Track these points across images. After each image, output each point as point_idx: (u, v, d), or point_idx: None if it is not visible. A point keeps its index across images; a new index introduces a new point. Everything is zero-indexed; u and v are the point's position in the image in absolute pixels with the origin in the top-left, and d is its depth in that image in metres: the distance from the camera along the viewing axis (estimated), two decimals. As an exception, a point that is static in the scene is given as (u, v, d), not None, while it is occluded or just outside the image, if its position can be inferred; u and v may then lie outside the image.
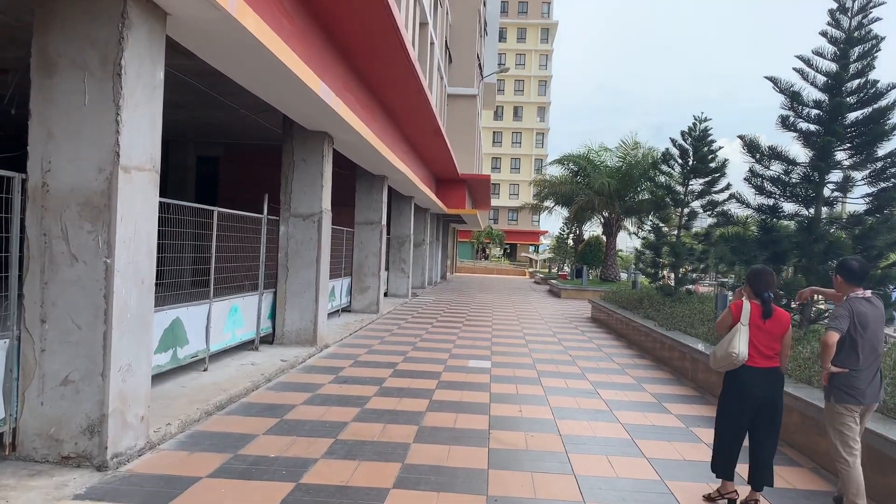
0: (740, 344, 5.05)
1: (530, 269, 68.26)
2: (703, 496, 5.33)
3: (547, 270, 59.67)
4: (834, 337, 4.90)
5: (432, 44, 26.48)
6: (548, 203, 39.10)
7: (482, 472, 5.67)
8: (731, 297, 5.35)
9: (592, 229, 50.33)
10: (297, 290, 11.61)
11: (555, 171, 36.17)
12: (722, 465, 5.26)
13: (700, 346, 10.36)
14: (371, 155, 14.87)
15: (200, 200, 13.60)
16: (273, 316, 11.68)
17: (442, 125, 23.36)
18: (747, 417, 5.09)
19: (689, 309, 13.72)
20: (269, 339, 11.65)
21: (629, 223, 35.66)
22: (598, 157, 32.96)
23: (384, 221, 18.54)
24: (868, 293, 5.13)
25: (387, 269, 23.64)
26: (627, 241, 70.14)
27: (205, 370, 8.93)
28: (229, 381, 8.40)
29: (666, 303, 15.02)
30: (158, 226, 7.74)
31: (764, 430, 5.09)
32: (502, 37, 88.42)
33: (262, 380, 8.77)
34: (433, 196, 26.81)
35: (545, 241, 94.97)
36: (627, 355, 13.02)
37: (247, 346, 10.84)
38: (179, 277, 8.74)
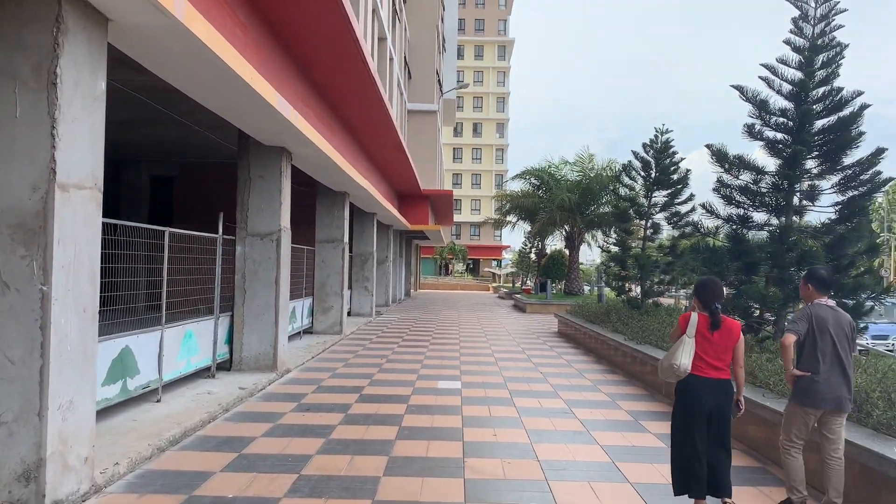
0: (682, 356, 5.03)
1: (494, 284, 68.23)
2: None
3: (511, 285, 59.63)
4: (790, 338, 5.14)
5: (391, 59, 26.22)
6: (510, 218, 39.01)
7: (459, 507, 5.28)
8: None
9: (554, 243, 50.56)
10: (256, 313, 11.10)
11: (516, 186, 36.13)
12: (681, 481, 5.09)
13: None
14: (332, 171, 14.45)
15: (155, 221, 13.02)
16: (230, 341, 11.14)
17: (403, 141, 23.06)
18: (699, 427, 5.02)
19: (659, 322, 13.53)
20: (226, 366, 11.11)
21: (590, 236, 35.79)
22: (559, 171, 33.00)
23: (346, 239, 18.08)
24: (832, 302, 5.32)
25: (350, 287, 23.13)
26: (587, 255, 70.64)
27: (158, 401, 8.39)
28: (184, 413, 7.87)
29: (634, 316, 14.83)
30: (107, 249, 7.29)
31: (717, 441, 5.05)
32: (460, 54, 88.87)
33: (219, 410, 8.25)
34: (396, 212, 26.43)
35: (507, 256, 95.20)
36: (598, 370, 12.76)
37: (203, 373, 10.29)
38: (131, 303, 8.23)
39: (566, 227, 32.81)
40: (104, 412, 7.32)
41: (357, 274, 23.79)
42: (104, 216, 7.86)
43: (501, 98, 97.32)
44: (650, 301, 16.10)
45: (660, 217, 16.34)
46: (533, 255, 49.44)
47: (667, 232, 16.99)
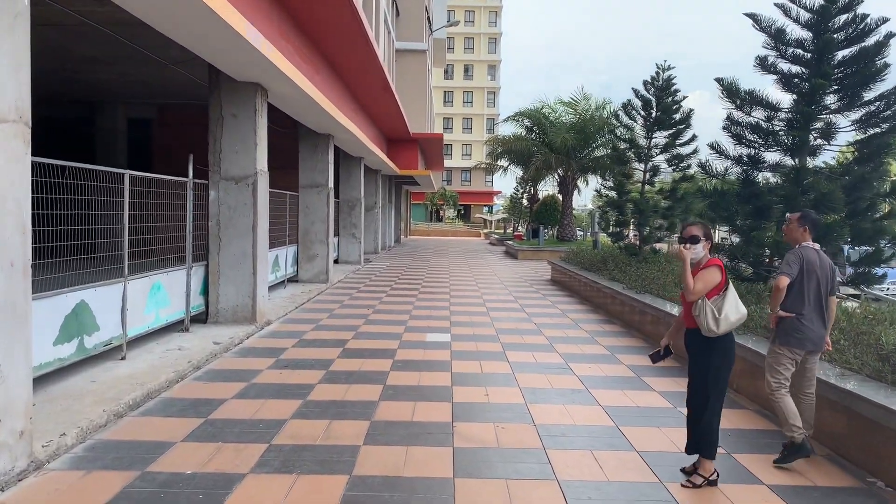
0: (740, 303, 4.70)
1: (485, 231, 67.58)
2: (684, 483, 4.73)
3: (502, 231, 59.00)
4: (784, 281, 5.21)
5: (378, -6, 24.91)
6: (502, 162, 38.08)
7: (447, 483, 4.68)
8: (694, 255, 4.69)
9: (546, 188, 49.76)
10: (232, 263, 10.40)
11: (509, 129, 35.09)
12: (716, 444, 4.74)
13: (676, 311, 9.54)
14: (314, 111, 13.57)
15: (133, 166, 12.15)
16: (206, 292, 10.46)
17: (391, 81, 22.01)
18: None
19: (658, 269, 12.94)
20: (202, 318, 10.45)
21: (583, 181, 35.02)
22: (554, 112, 31.97)
23: (331, 184, 17.27)
24: (817, 245, 5.43)
25: (336, 234, 22.41)
26: (578, 200, 69.94)
27: (122, 359, 7.74)
28: (149, 372, 7.23)
29: (632, 263, 14.22)
30: (66, 194, 6.53)
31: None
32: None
33: (188, 368, 7.62)
34: (384, 157, 25.52)
35: (499, 202, 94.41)
36: (594, 321, 12.19)
37: (177, 327, 9.64)
38: (90, 254, 7.52)
39: (559, 172, 31.95)
40: (58, 373, 6.68)
41: (344, 220, 23.04)
42: (79, 160, 7.17)
43: (493, 39, 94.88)
44: (648, 248, 15.48)
45: (660, 159, 15.62)
46: (525, 201, 48.75)
47: (664, 175, 16.29)
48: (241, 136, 10.40)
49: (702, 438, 4.67)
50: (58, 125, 23.66)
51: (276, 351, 8.94)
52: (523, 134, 33.22)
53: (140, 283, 8.29)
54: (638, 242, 15.28)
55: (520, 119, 32.93)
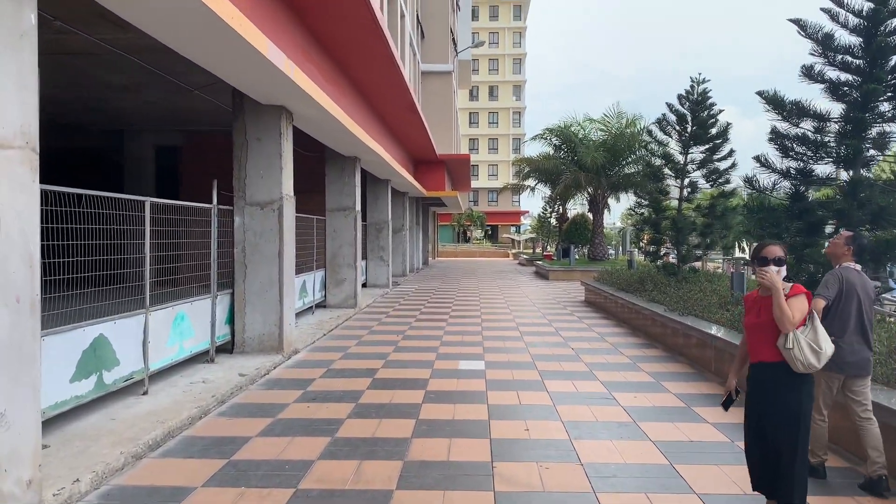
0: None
1: (513, 251, 67.11)
2: None
3: (531, 251, 58.41)
4: (820, 304, 5.00)
5: (402, 16, 24.81)
6: (529, 182, 37.68)
7: (490, 535, 4.24)
8: (780, 280, 4.06)
9: (575, 207, 49.16)
10: (258, 290, 10.09)
11: (536, 148, 34.69)
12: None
13: (722, 334, 9.01)
14: (340, 133, 13.32)
15: (161, 194, 11.98)
16: (232, 321, 10.16)
17: (417, 102, 21.79)
18: None
19: (699, 290, 12.39)
20: (228, 348, 10.14)
21: (613, 199, 34.46)
22: (583, 130, 31.52)
23: (358, 207, 17.00)
24: (858, 266, 5.23)
25: (364, 258, 22.13)
26: (607, 218, 69.03)
27: (144, 393, 7.42)
28: (171, 408, 6.89)
29: (671, 283, 13.68)
30: (85, 223, 6.28)
31: None
32: (475, 15, 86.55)
33: (212, 403, 7.27)
34: (411, 178, 25.28)
35: (526, 221, 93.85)
36: (634, 345, 11.66)
37: (202, 357, 9.33)
38: (110, 284, 7.25)
39: (589, 190, 31.44)
40: (76, 412, 6.37)
41: (372, 243, 22.77)
42: (110, 189, 6.96)
43: (518, 59, 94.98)
44: (686, 267, 14.91)
45: (697, 175, 15.09)
46: (553, 220, 48.18)
47: (700, 192, 15.74)
48: (267, 161, 10.14)
49: (794, 489, 4.02)
50: (88, 154, 23.85)
51: (304, 382, 8.57)
52: (551, 152, 32.79)
53: (163, 314, 7.99)
54: (676, 261, 14.73)
55: (548, 137, 32.52)
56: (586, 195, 32.54)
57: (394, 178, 22.91)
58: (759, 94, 9.44)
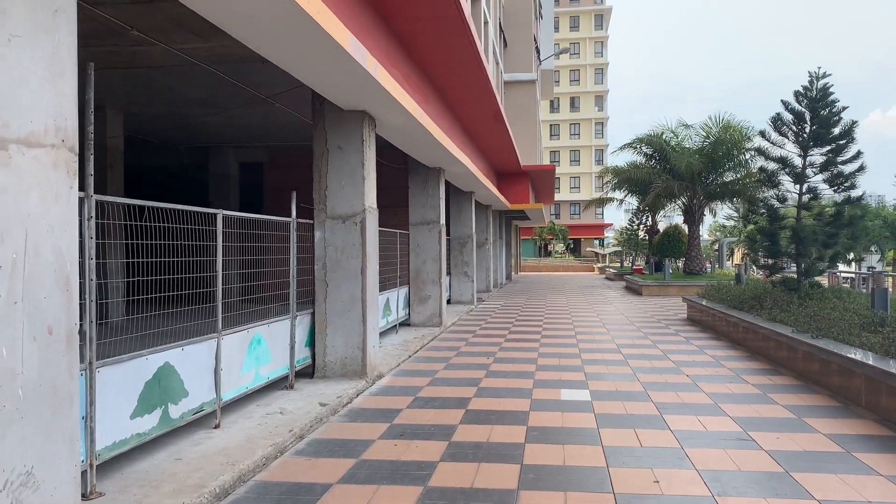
0: None
1: (599, 265, 65.15)
2: None
3: (618, 265, 56.39)
4: None
5: (486, 23, 24.01)
6: (618, 194, 36.11)
7: None
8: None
9: (665, 218, 47.02)
10: (340, 310, 9.32)
11: (623, 158, 33.15)
12: None
13: (872, 360, 7.63)
14: (425, 142, 12.53)
15: (245, 210, 11.52)
16: (312, 343, 9.42)
17: (501, 111, 20.87)
18: None
19: (831, 307, 10.89)
20: (309, 372, 9.41)
21: (709, 209, 32.52)
22: (676, 137, 29.83)
23: (443, 220, 16.18)
24: None
25: (448, 273, 21.29)
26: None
27: (216, 426, 6.70)
28: (243, 446, 6.13)
29: (794, 301, 12.17)
30: (150, 239, 5.65)
31: None
32: (555, 27, 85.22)
33: (289, 438, 6.48)
34: (495, 190, 24.35)
35: (609, 234, 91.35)
36: (757, 371, 10.28)
37: (281, 383, 8.61)
38: (184, 305, 6.63)
39: (684, 199, 29.68)
40: (137, 451, 5.67)
41: (455, 258, 21.93)
42: (195, 203, 6.37)
43: (600, 69, 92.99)
44: (807, 282, 13.31)
45: (817, 179, 13.53)
46: (642, 232, 46.26)
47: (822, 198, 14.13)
48: (349, 171, 9.40)
49: None
50: (173, 171, 24.03)
51: (389, 413, 7.70)
52: (642, 161, 31.22)
53: (237, 338, 7.29)
54: (800, 275, 13.15)
55: (638, 146, 30.97)
56: (680, 205, 30.76)
57: (478, 190, 22.04)
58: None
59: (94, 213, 4.72)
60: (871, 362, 7.65)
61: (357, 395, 8.60)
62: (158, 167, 23.58)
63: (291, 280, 8.74)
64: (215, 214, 6.89)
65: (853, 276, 23.36)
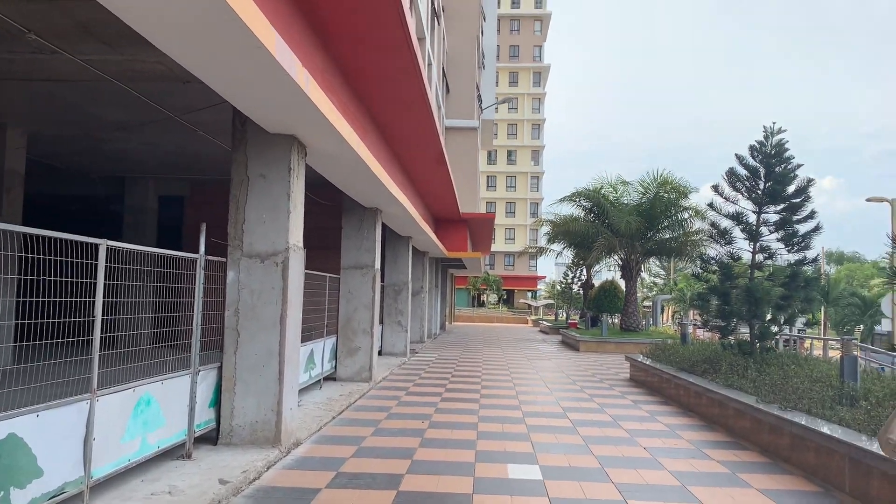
0: None
1: (533, 317, 64.78)
2: None
3: (553, 318, 56.02)
4: None
5: (430, 65, 23.36)
6: (556, 246, 35.70)
7: None
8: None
9: (598, 273, 47.07)
10: (253, 365, 7.96)
11: (560, 211, 32.62)
12: None
13: (859, 440, 6.80)
14: (362, 176, 11.42)
15: (162, 246, 10.20)
16: (218, 402, 8.00)
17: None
18: None
19: (794, 374, 10.14)
20: (212, 437, 7.97)
21: (645, 266, 32.33)
22: (615, 192, 29.67)
23: (378, 265, 14.98)
24: None
25: (380, 322, 19.98)
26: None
27: (80, 514, 5.25)
28: (107, 547, 4.71)
29: (750, 365, 11.41)
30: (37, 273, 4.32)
31: None
32: (496, 82, 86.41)
33: (172, 534, 5.08)
34: (434, 237, 23.34)
35: (541, 287, 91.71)
36: (720, 444, 9.35)
37: (177, 450, 7.16)
38: (52, 357, 5.23)
39: (621, 255, 29.36)
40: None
41: (389, 307, 20.67)
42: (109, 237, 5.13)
43: (537, 125, 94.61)
44: (759, 345, 12.62)
45: (771, 238, 12.99)
46: (576, 287, 46.07)
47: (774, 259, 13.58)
48: (272, 203, 8.16)
49: None
50: (85, 202, 22.19)
51: (305, 494, 6.36)
52: (580, 215, 30.89)
53: (118, 399, 5.88)
54: (755, 338, 12.45)
55: (577, 199, 30.65)
56: (617, 260, 30.45)
57: (416, 235, 20.99)
58: None
59: None
60: (857, 443, 6.80)
61: (267, 469, 7.21)
62: (67, 196, 21.72)
63: (195, 328, 7.36)
64: (97, 245, 5.56)
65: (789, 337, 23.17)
